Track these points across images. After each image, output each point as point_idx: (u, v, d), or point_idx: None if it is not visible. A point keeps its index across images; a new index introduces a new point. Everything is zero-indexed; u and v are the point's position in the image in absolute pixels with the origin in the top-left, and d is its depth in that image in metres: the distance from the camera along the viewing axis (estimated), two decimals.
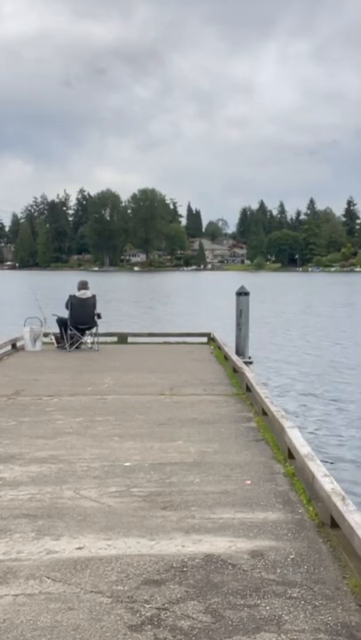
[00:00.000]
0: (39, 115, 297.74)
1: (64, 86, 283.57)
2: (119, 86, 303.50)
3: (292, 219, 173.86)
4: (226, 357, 11.84)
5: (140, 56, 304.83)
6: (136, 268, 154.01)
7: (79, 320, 13.52)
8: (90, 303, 13.62)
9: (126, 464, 5.61)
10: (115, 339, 15.40)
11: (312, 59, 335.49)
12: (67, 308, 13.55)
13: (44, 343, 13.74)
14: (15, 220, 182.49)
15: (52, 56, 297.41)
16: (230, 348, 12.68)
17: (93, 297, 13.73)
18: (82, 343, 13.70)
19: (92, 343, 13.73)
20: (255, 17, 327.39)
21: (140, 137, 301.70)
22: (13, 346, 13.43)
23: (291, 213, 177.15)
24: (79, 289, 13.79)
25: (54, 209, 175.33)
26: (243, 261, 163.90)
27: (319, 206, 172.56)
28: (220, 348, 13.10)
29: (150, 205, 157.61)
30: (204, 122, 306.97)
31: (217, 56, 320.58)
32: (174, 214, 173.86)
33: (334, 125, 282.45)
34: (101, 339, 14.15)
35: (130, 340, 15.62)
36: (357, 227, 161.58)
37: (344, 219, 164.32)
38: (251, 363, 13.00)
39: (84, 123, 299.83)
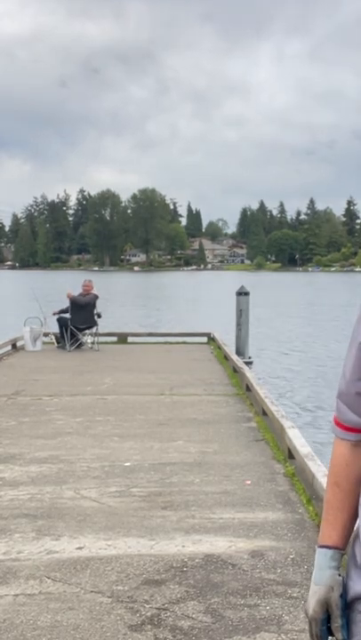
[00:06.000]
0: (37, 115, 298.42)
1: (60, 86, 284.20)
2: (115, 86, 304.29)
3: (292, 219, 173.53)
4: (226, 357, 11.84)
5: (135, 56, 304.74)
6: (136, 268, 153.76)
7: (79, 320, 13.53)
8: (90, 303, 13.63)
9: (126, 464, 5.60)
10: (115, 339, 15.41)
11: (308, 58, 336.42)
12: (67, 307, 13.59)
13: (44, 343, 13.75)
14: (15, 220, 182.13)
15: (47, 56, 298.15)
16: (230, 348, 12.68)
17: (94, 297, 13.74)
18: (82, 343, 13.71)
19: (93, 343, 13.73)
20: (250, 16, 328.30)
21: (139, 137, 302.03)
22: (13, 346, 13.43)
23: (291, 213, 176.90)
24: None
25: (54, 209, 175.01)
26: (243, 261, 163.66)
27: (319, 206, 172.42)
28: (220, 347, 13.10)
29: (150, 205, 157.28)
30: (202, 121, 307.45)
31: (213, 56, 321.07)
32: (174, 214, 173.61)
33: (333, 125, 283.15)
34: (101, 339, 14.16)
35: (130, 339, 15.63)
36: (357, 227, 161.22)
37: (344, 219, 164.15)
38: (251, 363, 13.00)
39: (82, 123, 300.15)
